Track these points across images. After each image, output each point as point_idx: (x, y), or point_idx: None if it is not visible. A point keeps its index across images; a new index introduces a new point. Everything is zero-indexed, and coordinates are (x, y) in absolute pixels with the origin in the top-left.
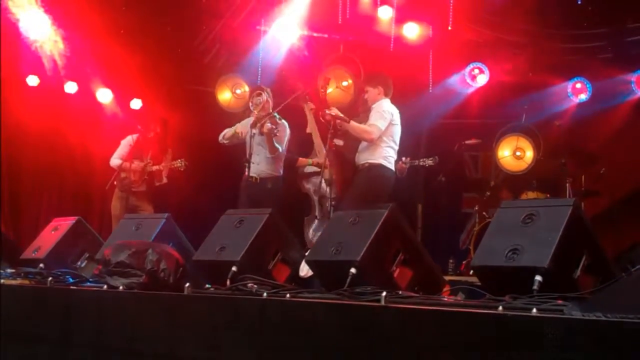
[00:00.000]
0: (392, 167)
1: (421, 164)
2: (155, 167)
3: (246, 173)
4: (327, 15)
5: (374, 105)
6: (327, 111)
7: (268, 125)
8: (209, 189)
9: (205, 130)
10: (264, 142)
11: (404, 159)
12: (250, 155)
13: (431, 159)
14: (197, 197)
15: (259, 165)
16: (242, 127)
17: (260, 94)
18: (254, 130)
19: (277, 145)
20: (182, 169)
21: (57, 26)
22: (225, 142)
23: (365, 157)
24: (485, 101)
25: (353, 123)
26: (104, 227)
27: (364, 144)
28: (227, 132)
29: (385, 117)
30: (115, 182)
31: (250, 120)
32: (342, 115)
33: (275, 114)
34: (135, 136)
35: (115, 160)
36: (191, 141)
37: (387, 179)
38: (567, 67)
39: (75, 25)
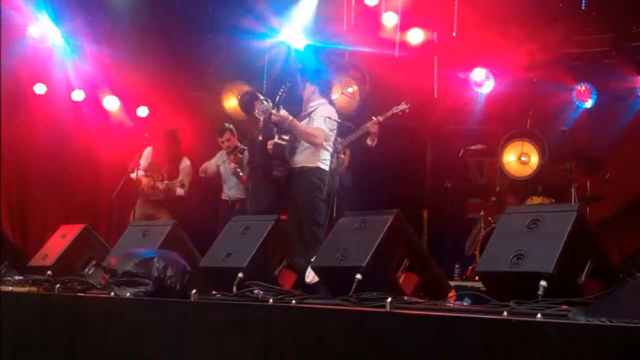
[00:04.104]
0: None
1: (394, 112)
2: (161, 185)
3: (222, 196)
4: (332, 22)
5: (319, 108)
6: (275, 111)
7: (232, 165)
8: (215, 196)
9: (212, 137)
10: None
11: (374, 118)
12: (224, 181)
13: (403, 102)
14: (203, 204)
15: (230, 191)
16: (216, 160)
17: (224, 132)
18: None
19: (242, 175)
20: (182, 195)
21: (64, 34)
22: (202, 175)
23: (301, 161)
24: (490, 106)
25: (300, 125)
26: (111, 234)
27: (301, 147)
28: (208, 168)
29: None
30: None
31: (223, 152)
32: (290, 116)
33: (240, 147)
34: (151, 148)
35: (140, 173)
36: (198, 147)
37: (323, 183)
38: (572, 73)
39: (82, 34)
